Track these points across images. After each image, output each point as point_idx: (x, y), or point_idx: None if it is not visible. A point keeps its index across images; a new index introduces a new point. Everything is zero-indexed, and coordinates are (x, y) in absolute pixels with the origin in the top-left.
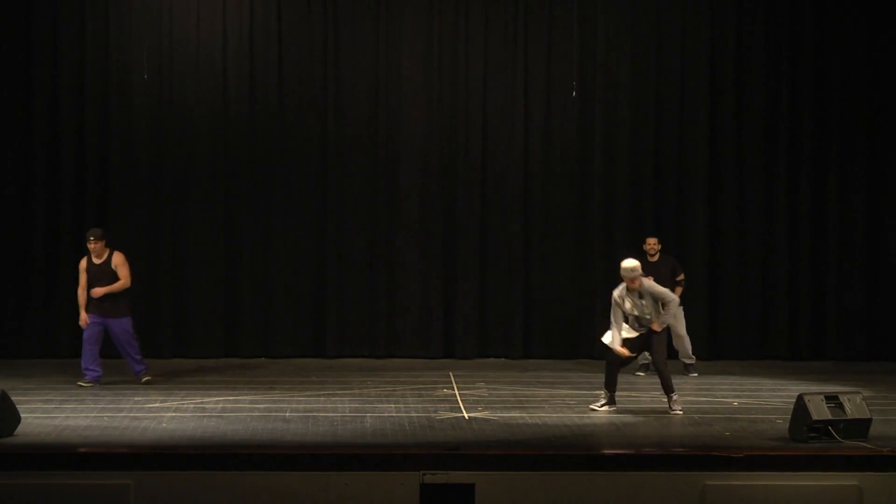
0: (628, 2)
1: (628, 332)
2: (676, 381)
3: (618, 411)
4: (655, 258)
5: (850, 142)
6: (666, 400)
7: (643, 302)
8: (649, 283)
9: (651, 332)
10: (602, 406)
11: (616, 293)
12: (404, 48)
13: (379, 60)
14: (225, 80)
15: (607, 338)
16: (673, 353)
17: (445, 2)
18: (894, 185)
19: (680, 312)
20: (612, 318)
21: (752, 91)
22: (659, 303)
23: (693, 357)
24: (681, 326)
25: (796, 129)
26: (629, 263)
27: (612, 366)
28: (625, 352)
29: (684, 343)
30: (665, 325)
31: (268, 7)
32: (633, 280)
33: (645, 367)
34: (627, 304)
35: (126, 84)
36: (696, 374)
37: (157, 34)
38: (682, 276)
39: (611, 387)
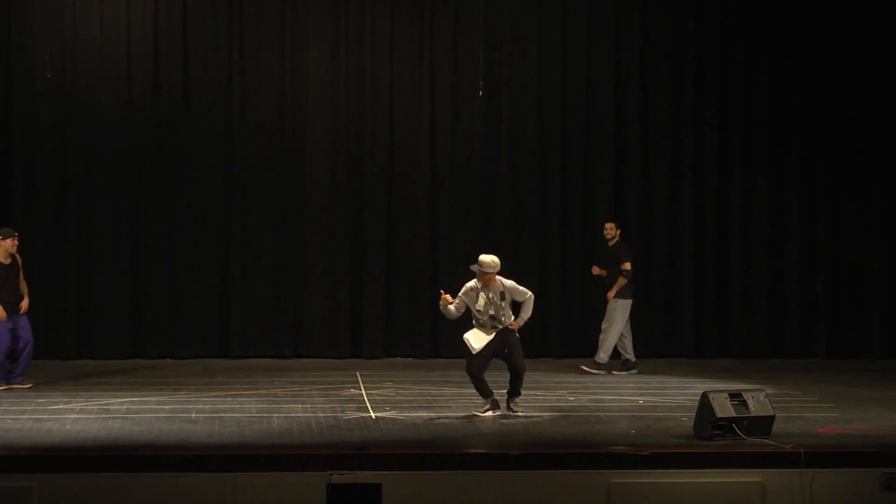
0: (534, 2)
1: (483, 335)
2: (613, 376)
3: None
4: (613, 243)
5: (754, 141)
6: (507, 401)
7: (502, 303)
8: (510, 282)
9: (506, 331)
10: (486, 411)
11: (470, 285)
12: (310, 48)
13: (285, 60)
14: (129, 79)
15: (471, 337)
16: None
17: (352, 1)
18: (795, 182)
19: (626, 307)
20: (444, 308)
21: (657, 90)
22: (509, 302)
23: (632, 354)
24: (623, 321)
25: (700, 128)
26: (489, 258)
27: (473, 373)
28: (478, 348)
29: (625, 339)
30: (523, 323)
31: (172, 5)
32: (490, 277)
33: (628, 365)
34: (481, 302)
35: (29, 83)
36: (636, 371)
37: (59, 32)
38: (625, 266)
39: (486, 394)
